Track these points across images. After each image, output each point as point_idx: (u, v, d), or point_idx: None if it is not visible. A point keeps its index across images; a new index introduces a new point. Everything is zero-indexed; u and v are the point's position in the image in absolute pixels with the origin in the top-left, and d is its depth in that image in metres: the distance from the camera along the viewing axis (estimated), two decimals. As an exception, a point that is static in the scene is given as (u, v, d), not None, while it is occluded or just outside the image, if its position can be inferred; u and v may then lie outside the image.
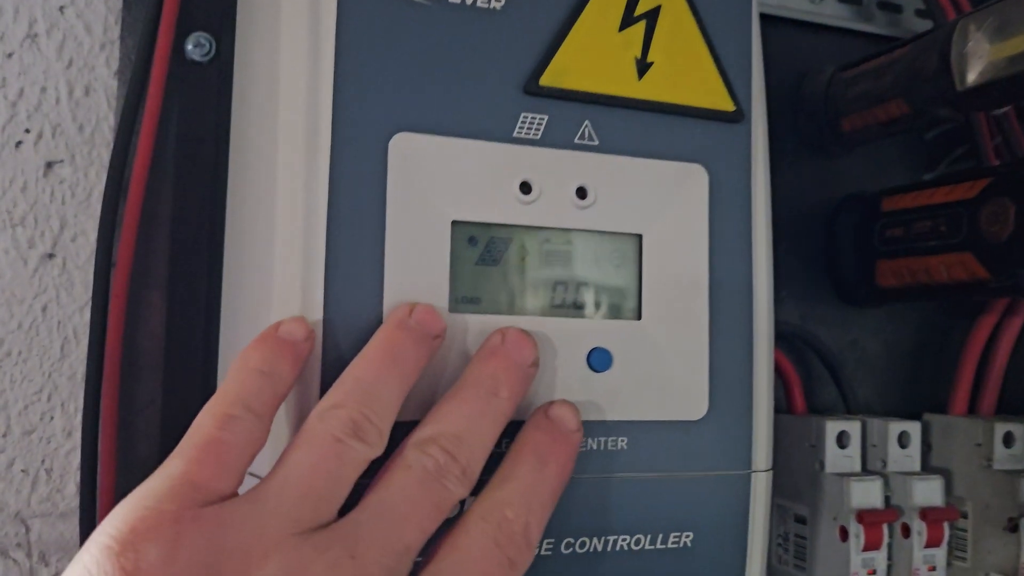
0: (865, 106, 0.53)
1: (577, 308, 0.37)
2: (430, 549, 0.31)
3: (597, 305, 0.37)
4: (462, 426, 0.32)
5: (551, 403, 0.35)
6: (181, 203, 0.45)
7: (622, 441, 0.37)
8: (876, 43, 0.59)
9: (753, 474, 0.39)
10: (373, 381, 0.31)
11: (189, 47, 0.46)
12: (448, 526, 0.31)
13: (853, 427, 0.51)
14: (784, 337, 0.56)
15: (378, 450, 0.31)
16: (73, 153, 0.46)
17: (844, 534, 0.48)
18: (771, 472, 0.39)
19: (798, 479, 0.51)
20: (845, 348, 0.58)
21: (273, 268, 0.34)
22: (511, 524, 0.31)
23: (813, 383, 0.57)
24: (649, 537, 0.37)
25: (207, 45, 0.46)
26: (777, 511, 0.53)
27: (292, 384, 0.32)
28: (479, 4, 0.36)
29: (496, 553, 0.30)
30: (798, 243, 0.58)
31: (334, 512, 0.30)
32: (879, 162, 0.60)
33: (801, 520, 0.51)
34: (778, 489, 0.53)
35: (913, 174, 0.61)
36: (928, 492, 0.50)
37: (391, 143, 0.34)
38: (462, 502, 0.32)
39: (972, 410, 0.57)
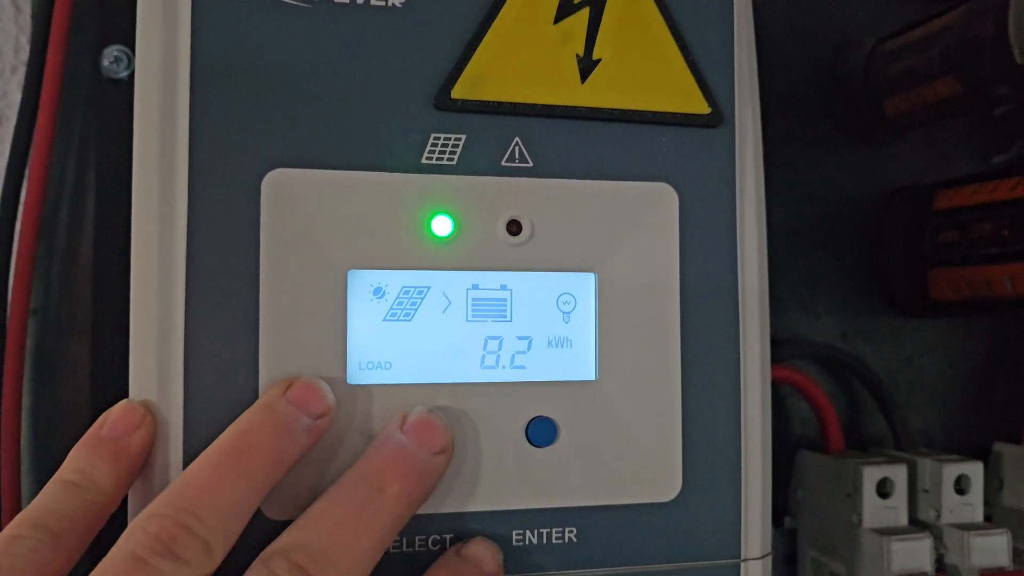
0: (910, 86, 0.44)
1: (515, 369, 0.30)
2: None
3: (540, 364, 0.31)
4: (327, 534, 0.25)
5: (469, 541, 0.29)
6: (103, 240, 0.41)
7: (570, 532, 0.30)
8: (931, 4, 0.49)
9: (743, 563, 0.31)
10: (208, 482, 0.25)
11: (106, 63, 0.41)
12: None
13: (898, 473, 0.42)
14: (821, 361, 0.48)
15: (204, 568, 0.25)
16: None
17: (885, 605, 0.40)
18: (769, 558, 0.32)
19: (833, 532, 0.44)
20: (898, 368, 0.50)
21: (129, 343, 0.28)
22: None
23: (858, 412, 0.49)
24: (608, 650, 0.30)
25: (126, 59, 0.41)
26: (812, 566, 0.46)
27: (118, 487, 0.27)
28: (373, 2, 0.29)
29: None
30: (838, 247, 0.49)
31: None
32: (937, 146, 0.51)
33: (838, 581, 0.43)
34: (813, 542, 0.45)
35: (980, 159, 0.51)
36: (990, 550, 0.41)
37: (264, 182, 0.28)
38: None
39: (1054, 439, 0.48)
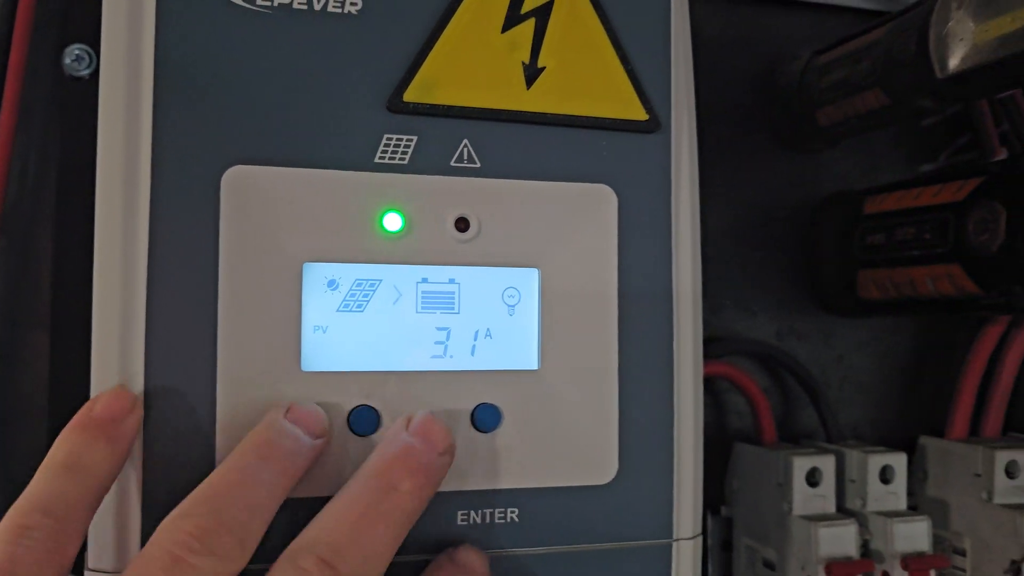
0: (841, 97, 0.47)
1: (461, 358, 0.32)
2: None
3: (486, 354, 0.32)
4: (346, 531, 0.26)
5: (459, 546, 0.30)
6: (63, 235, 0.42)
7: (512, 512, 0.32)
8: (866, 20, 0.52)
9: (675, 543, 0.33)
10: (236, 482, 0.26)
11: (67, 61, 0.42)
12: None
13: (826, 463, 0.45)
14: (756, 357, 0.51)
15: (238, 563, 0.25)
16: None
17: (812, 588, 0.43)
18: (699, 539, 0.34)
19: (766, 519, 0.46)
20: (829, 365, 0.52)
21: (89, 335, 0.29)
22: None
23: (792, 407, 0.51)
24: (547, 623, 0.32)
25: (87, 58, 0.42)
26: (745, 553, 0.48)
27: (113, 469, 0.28)
28: (331, 8, 0.31)
29: None
30: (773, 250, 0.52)
31: None
32: (869, 154, 0.53)
33: (770, 566, 0.46)
34: (747, 529, 0.48)
35: (909, 167, 0.54)
36: (911, 535, 0.44)
37: (224, 179, 0.30)
38: None
39: (975, 432, 0.51)
